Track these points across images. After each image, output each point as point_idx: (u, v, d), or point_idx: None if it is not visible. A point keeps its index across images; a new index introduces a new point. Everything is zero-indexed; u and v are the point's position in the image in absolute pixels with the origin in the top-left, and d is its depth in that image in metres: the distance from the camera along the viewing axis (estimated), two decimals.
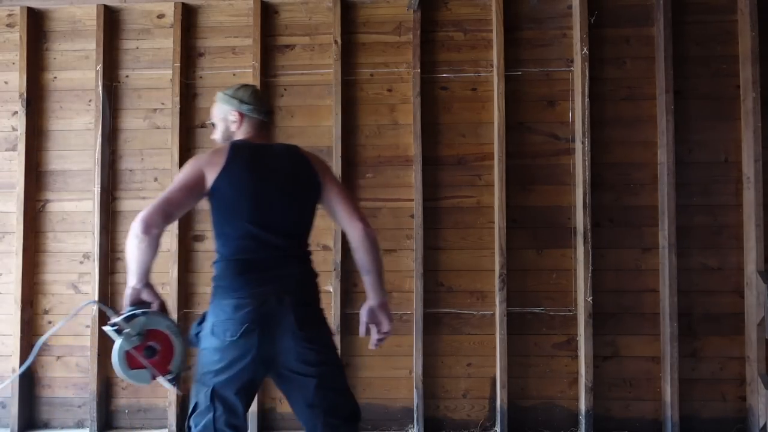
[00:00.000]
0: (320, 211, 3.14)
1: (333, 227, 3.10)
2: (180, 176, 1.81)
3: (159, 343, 1.72)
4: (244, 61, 3.19)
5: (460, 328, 3.10)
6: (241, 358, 1.71)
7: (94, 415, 3.06)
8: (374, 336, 1.94)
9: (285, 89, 3.20)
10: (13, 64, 3.22)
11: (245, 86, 2.04)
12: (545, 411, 3.05)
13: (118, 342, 1.65)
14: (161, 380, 1.74)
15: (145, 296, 1.76)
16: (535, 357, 3.06)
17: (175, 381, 1.76)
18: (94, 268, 3.12)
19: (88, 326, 3.13)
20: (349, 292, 3.09)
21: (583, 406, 2.95)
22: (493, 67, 3.12)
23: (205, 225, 3.17)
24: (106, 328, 1.67)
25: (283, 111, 3.19)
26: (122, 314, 1.69)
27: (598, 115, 3.05)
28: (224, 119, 2.00)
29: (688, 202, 3.01)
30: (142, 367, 1.70)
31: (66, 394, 3.17)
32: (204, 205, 3.22)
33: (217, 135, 2.03)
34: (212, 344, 1.74)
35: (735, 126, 3.02)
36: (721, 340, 2.98)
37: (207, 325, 1.77)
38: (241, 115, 1.97)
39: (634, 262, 3.05)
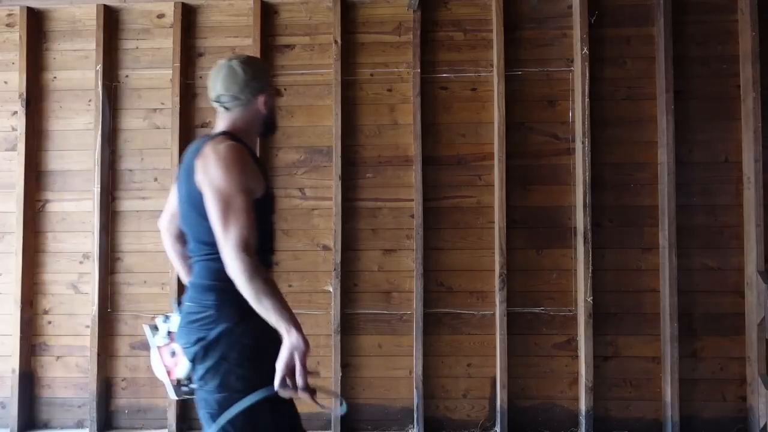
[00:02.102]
0: (320, 211, 3.15)
1: (332, 227, 3.10)
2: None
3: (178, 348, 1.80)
4: None
5: (460, 328, 3.09)
6: None
7: (94, 415, 3.06)
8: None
9: (285, 89, 3.19)
10: (13, 64, 3.22)
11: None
12: (545, 411, 3.05)
13: (151, 338, 1.84)
14: (166, 383, 1.80)
15: None
16: (535, 357, 3.06)
17: (177, 387, 1.80)
18: (93, 268, 3.12)
19: (87, 326, 3.13)
20: (349, 292, 3.09)
21: (583, 406, 2.95)
22: (493, 67, 3.12)
23: None
24: (145, 325, 1.88)
25: (283, 111, 3.18)
26: (163, 315, 1.84)
27: (598, 115, 3.05)
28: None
29: (689, 202, 3.01)
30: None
31: (66, 394, 3.16)
32: None
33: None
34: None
35: (735, 126, 3.01)
36: (722, 340, 2.98)
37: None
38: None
39: (634, 262, 3.04)
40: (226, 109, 1.72)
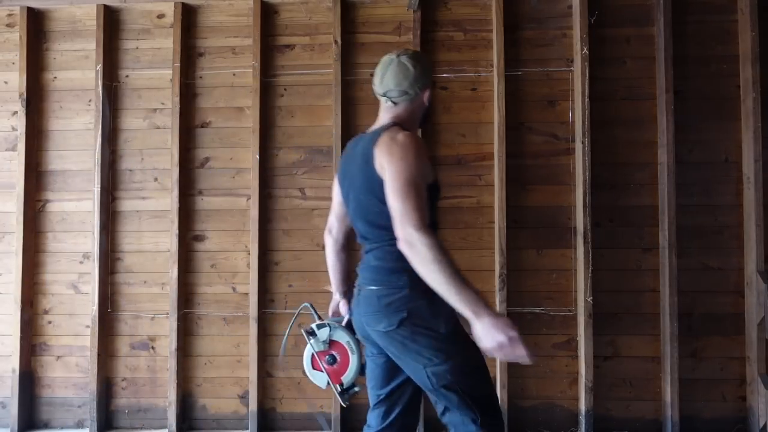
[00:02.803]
0: (320, 211, 3.15)
1: None
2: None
3: (340, 355, 1.87)
4: (244, 61, 3.19)
5: None
6: None
7: (94, 415, 3.06)
8: None
9: (285, 89, 3.20)
10: (13, 64, 3.22)
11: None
12: (545, 411, 3.05)
13: (309, 344, 1.91)
14: (333, 388, 1.88)
15: (342, 308, 1.94)
16: (535, 357, 3.06)
17: (342, 393, 1.87)
18: (93, 268, 3.12)
19: (87, 326, 3.13)
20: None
21: (583, 406, 2.95)
22: (493, 67, 3.12)
23: (205, 225, 3.17)
24: (303, 331, 1.94)
25: (283, 111, 3.19)
26: (318, 323, 1.92)
27: (598, 115, 3.05)
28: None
29: (688, 202, 3.01)
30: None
31: (66, 394, 3.17)
32: (204, 204, 3.24)
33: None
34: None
35: (735, 126, 3.01)
36: (722, 340, 2.98)
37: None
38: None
39: (634, 262, 3.04)
40: (394, 103, 1.81)
